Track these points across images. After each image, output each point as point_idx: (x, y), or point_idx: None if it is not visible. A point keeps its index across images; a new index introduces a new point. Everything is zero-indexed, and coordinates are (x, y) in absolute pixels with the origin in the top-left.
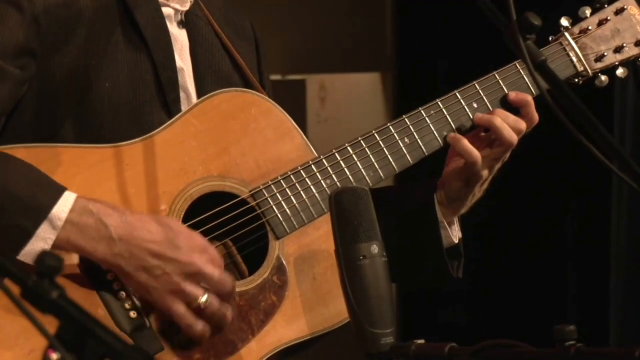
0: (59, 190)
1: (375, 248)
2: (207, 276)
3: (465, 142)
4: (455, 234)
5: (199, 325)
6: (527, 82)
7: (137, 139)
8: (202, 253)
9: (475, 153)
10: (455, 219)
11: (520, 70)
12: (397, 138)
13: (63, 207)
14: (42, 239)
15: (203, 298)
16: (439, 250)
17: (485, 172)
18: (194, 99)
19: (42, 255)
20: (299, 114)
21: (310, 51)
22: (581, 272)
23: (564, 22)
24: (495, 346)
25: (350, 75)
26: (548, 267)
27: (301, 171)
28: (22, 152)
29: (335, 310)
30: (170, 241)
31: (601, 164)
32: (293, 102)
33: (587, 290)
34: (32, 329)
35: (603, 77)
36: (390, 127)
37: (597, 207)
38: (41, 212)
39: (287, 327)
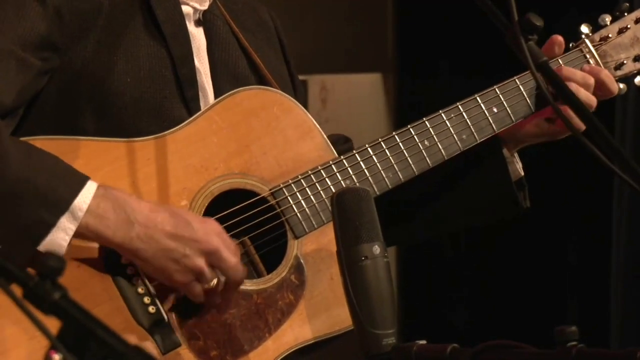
0: (81, 181)
1: (377, 249)
2: (224, 259)
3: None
4: (519, 166)
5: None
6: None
7: (158, 135)
8: (219, 235)
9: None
10: (515, 153)
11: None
12: (417, 140)
13: (85, 197)
14: (62, 230)
15: (214, 281)
16: (508, 183)
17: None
18: (211, 98)
19: (44, 257)
20: None
21: (312, 52)
22: (582, 273)
23: (585, 29)
24: (497, 347)
25: (352, 76)
26: (549, 268)
27: (321, 171)
28: (45, 143)
29: None
30: (187, 223)
31: (603, 165)
32: None
33: (588, 291)
34: (34, 330)
35: (622, 85)
36: (411, 129)
37: (599, 208)
38: (62, 205)
39: (303, 326)
